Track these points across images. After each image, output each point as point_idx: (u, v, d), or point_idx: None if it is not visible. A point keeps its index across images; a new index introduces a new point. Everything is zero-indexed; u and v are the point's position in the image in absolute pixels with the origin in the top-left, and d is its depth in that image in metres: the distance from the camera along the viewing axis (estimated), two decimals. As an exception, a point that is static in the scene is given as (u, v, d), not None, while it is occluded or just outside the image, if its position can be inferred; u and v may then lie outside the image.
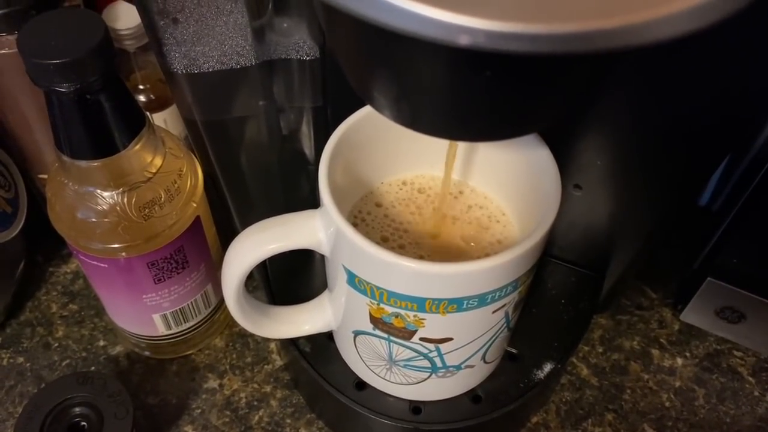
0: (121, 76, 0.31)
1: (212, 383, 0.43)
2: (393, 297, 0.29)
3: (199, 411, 0.41)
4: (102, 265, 0.35)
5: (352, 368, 0.38)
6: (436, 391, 0.36)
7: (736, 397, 0.42)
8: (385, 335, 0.32)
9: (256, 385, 0.42)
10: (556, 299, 0.41)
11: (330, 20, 0.23)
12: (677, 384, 0.43)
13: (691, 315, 0.44)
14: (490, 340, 0.33)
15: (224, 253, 0.33)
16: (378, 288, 0.29)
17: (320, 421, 0.41)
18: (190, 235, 0.36)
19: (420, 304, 0.29)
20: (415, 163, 0.36)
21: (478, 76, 0.20)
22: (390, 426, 0.36)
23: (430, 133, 0.24)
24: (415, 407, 0.37)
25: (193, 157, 0.37)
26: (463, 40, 0.16)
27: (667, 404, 0.42)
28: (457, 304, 0.29)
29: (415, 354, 0.32)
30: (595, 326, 0.45)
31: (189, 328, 0.41)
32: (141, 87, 0.44)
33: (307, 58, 0.31)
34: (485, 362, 0.35)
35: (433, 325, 0.30)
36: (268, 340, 0.44)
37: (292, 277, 0.41)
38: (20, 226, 0.43)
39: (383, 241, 0.34)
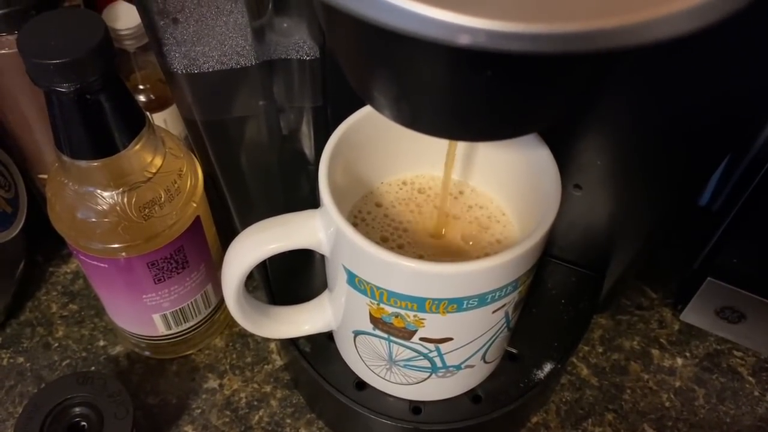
0: (121, 76, 0.31)
1: (212, 383, 0.43)
2: (393, 297, 0.29)
3: (199, 411, 0.41)
4: (102, 265, 0.35)
5: (352, 368, 0.38)
6: (436, 391, 0.36)
7: (736, 397, 0.43)
8: (385, 335, 0.32)
9: (256, 385, 0.42)
10: (556, 299, 0.41)
11: (330, 20, 0.23)
12: (677, 384, 0.43)
13: (691, 315, 0.44)
14: (490, 340, 0.33)
15: (224, 253, 0.33)
16: (378, 288, 0.29)
17: (320, 421, 0.41)
18: (190, 235, 0.36)
19: (420, 304, 0.29)
20: (415, 163, 0.36)
21: (479, 76, 0.20)
22: (390, 426, 0.36)
23: (430, 133, 0.24)
24: (415, 407, 0.37)
25: (193, 157, 0.37)
26: (464, 40, 0.16)
27: (667, 404, 0.42)
28: (457, 304, 0.29)
29: (415, 354, 0.32)
30: (595, 326, 0.45)
31: (189, 328, 0.41)
32: (141, 87, 0.44)
33: (307, 58, 0.31)
34: (485, 362, 0.35)
35: (433, 325, 0.30)
36: (268, 340, 0.44)
37: (292, 277, 0.41)
38: (20, 226, 0.43)
39: (383, 241, 0.34)
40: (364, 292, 0.30)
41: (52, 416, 0.36)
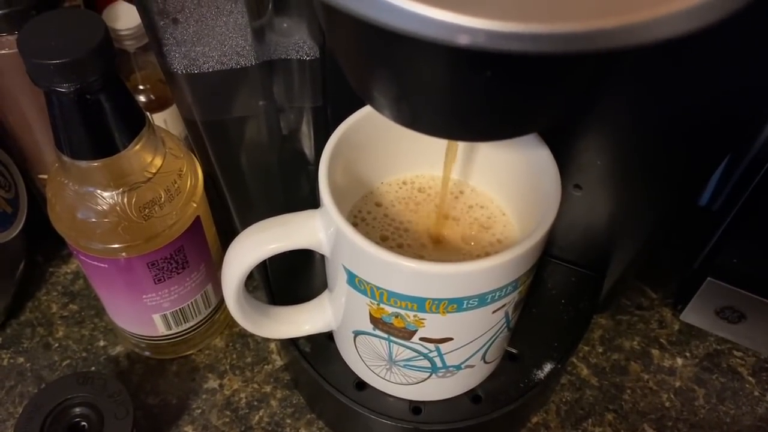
0: (121, 76, 0.31)
1: (212, 383, 0.43)
2: (393, 297, 0.29)
3: (199, 411, 0.41)
4: (102, 265, 0.35)
5: (352, 368, 0.38)
6: (436, 391, 0.36)
7: (736, 397, 0.43)
8: (385, 335, 0.32)
9: (256, 386, 0.42)
10: (556, 299, 0.41)
11: (330, 20, 0.23)
12: (677, 384, 0.43)
13: (691, 315, 0.44)
14: (490, 340, 0.33)
15: (224, 253, 0.33)
16: (378, 288, 0.29)
17: (320, 421, 0.41)
18: (190, 235, 0.36)
19: (420, 304, 0.29)
20: (415, 163, 0.36)
21: (478, 76, 0.20)
22: (390, 426, 0.36)
23: (430, 133, 0.24)
24: (415, 407, 0.37)
25: (193, 157, 0.37)
26: (463, 40, 0.16)
27: (667, 404, 0.42)
28: (457, 304, 0.29)
29: (415, 354, 0.32)
30: (595, 326, 0.45)
31: (189, 328, 0.41)
32: (141, 87, 0.44)
33: (307, 58, 0.31)
34: (485, 362, 0.35)
35: (433, 325, 0.30)
36: (268, 340, 0.44)
37: (292, 277, 0.41)
38: (20, 227, 0.43)
39: (383, 241, 0.34)
40: (364, 292, 0.30)
41: (52, 416, 0.36)
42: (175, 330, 0.41)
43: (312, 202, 0.32)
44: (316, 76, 0.32)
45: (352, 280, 0.30)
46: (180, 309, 0.40)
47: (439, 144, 0.32)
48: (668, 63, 0.28)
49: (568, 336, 0.39)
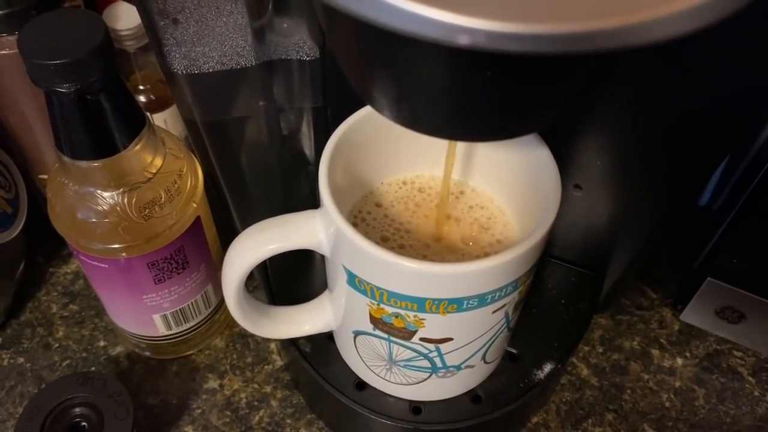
0: (122, 76, 0.31)
1: (212, 383, 0.43)
2: (393, 297, 0.29)
3: (199, 411, 0.41)
4: (102, 265, 0.35)
5: (352, 368, 0.38)
6: (437, 391, 0.36)
7: (736, 397, 0.43)
8: (386, 335, 0.32)
9: (256, 386, 0.42)
10: (556, 299, 0.41)
11: (330, 21, 0.23)
12: (677, 384, 0.43)
13: (691, 315, 0.44)
14: (490, 340, 0.33)
15: (224, 254, 0.33)
16: (378, 288, 0.29)
17: (320, 421, 0.41)
18: (190, 236, 0.36)
19: (420, 304, 0.29)
20: (415, 163, 0.36)
21: (478, 77, 0.20)
22: (390, 426, 0.36)
23: (430, 134, 0.24)
24: (416, 407, 0.37)
25: (194, 157, 0.37)
26: (464, 41, 0.16)
27: (667, 404, 0.42)
28: (457, 304, 0.29)
29: (415, 354, 0.32)
30: (595, 326, 0.45)
31: (189, 328, 0.42)
32: (141, 87, 0.44)
33: (307, 59, 0.31)
34: (485, 362, 0.35)
35: (433, 325, 0.30)
36: (268, 340, 0.44)
37: (293, 278, 0.41)
38: (20, 227, 0.43)
39: (383, 241, 0.34)
40: (364, 293, 0.30)
41: (52, 416, 0.36)
42: (175, 330, 0.41)
43: (312, 202, 0.32)
44: (316, 77, 0.32)
45: (352, 280, 0.30)
46: (180, 309, 0.40)
47: (439, 144, 0.32)
48: (668, 63, 0.28)
49: (568, 336, 0.39)
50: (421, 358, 0.33)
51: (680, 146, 0.32)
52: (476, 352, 0.33)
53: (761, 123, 0.37)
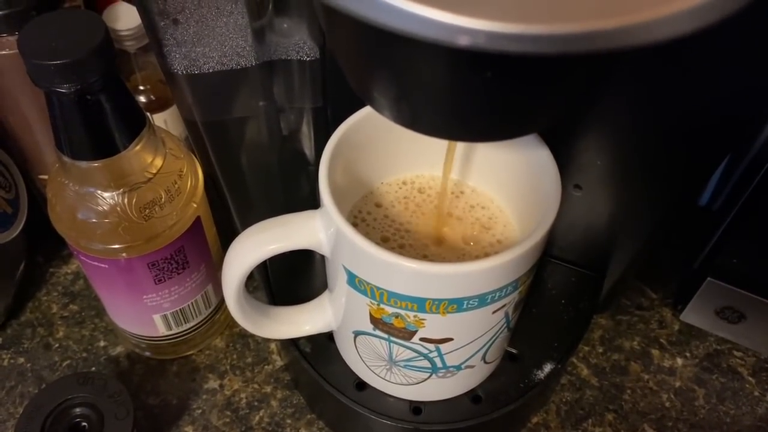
0: (122, 76, 0.31)
1: (213, 384, 0.43)
2: (393, 297, 0.29)
3: (199, 411, 0.41)
4: (102, 265, 0.35)
5: (352, 368, 0.38)
6: (437, 391, 0.36)
7: (736, 397, 0.43)
8: (386, 336, 0.32)
9: (256, 386, 0.42)
10: (556, 299, 0.41)
11: (330, 21, 0.23)
12: (677, 384, 0.43)
13: (691, 315, 0.44)
14: (490, 340, 0.33)
15: (224, 254, 0.33)
16: (378, 288, 0.29)
17: (320, 421, 0.41)
18: (190, 236, 0.36)
19: (420, 304, 0.29)
20: (415, 163, 0.36)
21: (478, 77, 0.20)
22: (390, 426, 0.36)
23: (429, 134, 0.24)
24: (416, 407, 0.37)
25: (194, 157, 0.37)
26: (463, 41, 0.16)
27: (667, 404, 0.42)
28: (457, 305, 0.29)
29: (416, 354, 0.32)
30: (595, 326, 0.45)
31: (189, 328, 0.42)
32: (141, 88, 0.45)
33: (308, 59, 0.31)
34: (485, 362, 0.35)
35: (433, 325, 0.30)
36: (268, 340, 0.44)
37: (293, 278, 0.41)
38: (21, 227, 0.43)
39: (383, 242, 0.34)
40: (364, 293, 0.30)
41: (52, 417, 0.36)
42: (175, 330, 0.41)
43: (312, 202, 0.32)
44: (316, 77, 0.32)
45: (352, 280, 0.30)
46: (180, 309, 0.40)
47: (439, 144, 0.32)
48: (668, 63, 0.28)
49: (568, 336, 0.39)
50: (421, 358, 0.33)
51: (680, 146, 0.32)
52: (476, 353, 0.33)
53: (761, 123, 0.37)
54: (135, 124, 0.32)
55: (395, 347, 0.32)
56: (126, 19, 0.41)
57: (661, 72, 0.29)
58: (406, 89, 0.22)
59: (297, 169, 0.38)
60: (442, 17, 0.16)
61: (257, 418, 0.41)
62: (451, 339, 0.31)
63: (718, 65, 0.27)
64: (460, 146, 0.34)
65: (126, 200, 0.33)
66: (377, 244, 0.28)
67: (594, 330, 0.45)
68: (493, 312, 0.30)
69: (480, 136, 0.27)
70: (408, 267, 0.27)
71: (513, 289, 0.30)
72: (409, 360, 0.33)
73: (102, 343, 0.44)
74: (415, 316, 0.29)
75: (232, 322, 0.45)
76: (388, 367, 0.34)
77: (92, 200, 0.33)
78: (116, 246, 0.34)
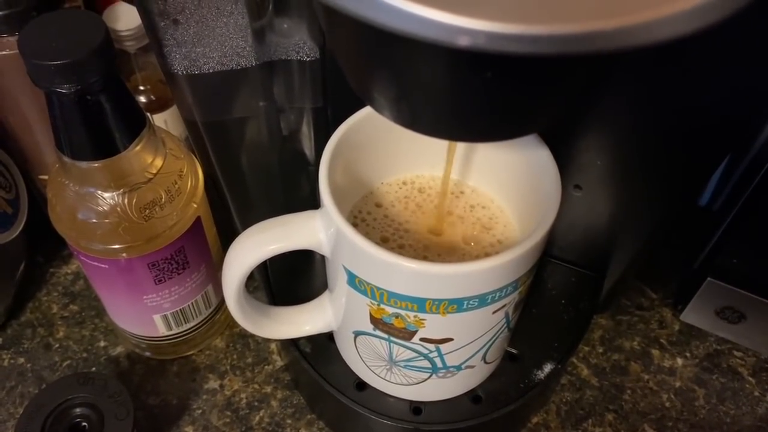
0: (122, 77, 0.31)
1: (213, 384, 0.43)
2: (393, 297, 0.29)
3: (199, 411, 0.41)
4: (102, 265, 0.35)
5: (352, 369, 0.38)
6: (437, 391, 0.36)
7: (736, 397, 0.43)
8: (386, 336, 0.32)
9: (256, 386, 0.42)
10: (556, 299, 0.41)
11: (330, 21, 0.23)
12: (677, 384, 0.43)
13: (691, 315, 0.44)
14: (490, 340, 0.33)
15: (225, 254, 0.33)
16: (378, 288, 0.29)
17: (321, 421, 0.41)
18: (190, 236, 0.36)
19: (420, 304, 0.29)
20: (415, 164, 0.36)
21: (478, 77, 0.20)
22: (390, 426, 0.36)
23: (429, 134, 0.24)
24: (416, 407, 0.37)
25: (194, 157, 0.37)
26: (463, 42, 0.16)
27: (667, 404, 0.42)
28: (457, 305, 0.29)
29: (416, 354, 0.32)
30: (596, 326, 0.45)
31: (190, 328, 0.42)
32: (141, 88, 0.45)
33: (308, 59, 0.31)
34: (485, 362, 0.35)
35: (433, 325, 0.30)
36: (268, 340, 0.44)
37: (293, 278, 0.41)
38: (21, 227, 0.43)
39: (383, 242, 0.34)
40: (364, 293, 0.30)
41: (53, 417, 0.36)
42: (175, 330, 0.41)
43: (312, 202, 0.32)
44: (316, 77, 0.32)
45: (353, 280, 0.30)
46: (180, 309, 0.40)
47: (439, 144, 0.32)
48: (668, 63, 0.28)
49: (568, 336, 0.39)
50: (422, 358, 0.33)
51: (680, 146, 0.32)
52: (476, 353, 0.33)
53: (761, 123, 0.37)
54: (135, 125, 0.32)
55: (395, 347, 0.32)
56: (126, 19, 0.41)
57: (661, 72, 0.29)
58: (406, 89, 0.22)
59: (297, 170, 0.38)
60: (442, 18, 0.16)
61: (257, 418, 0.41)
62: (452, 339, 0.31)
63: (718, 65, 0.27)
64: (461, 146, 0.34)
65: (126, 200, 0.33)
66: (377, 244, 0.28)
67: (594, 330, 0.45)
68: (494, 312, 0.30)
69: (480, 137, 0.27)
70: (408, 267, 0.27)
71: (513, 290, 0.30)
72: (409, 360, 0.33)
73: (102, 344, 0.44)
74: (415, 317, 0.29)
75: (232, 322, 0.45)
76: (388, 367, 0.34)
77: (92, 200, 0.33)
78: (116, 246, 0.34)
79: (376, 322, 0.31)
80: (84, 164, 0.31)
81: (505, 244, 0.34)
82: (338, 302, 0.34)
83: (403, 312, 0.29)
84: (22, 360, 0.44)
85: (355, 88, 0.25)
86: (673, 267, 0.47)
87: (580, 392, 0.42)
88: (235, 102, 0.33)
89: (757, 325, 0.42)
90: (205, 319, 0.42)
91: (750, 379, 0.43)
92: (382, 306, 0.30)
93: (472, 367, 0.34)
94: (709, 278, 0.40)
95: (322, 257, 0.32)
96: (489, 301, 0.29)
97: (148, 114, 0.43)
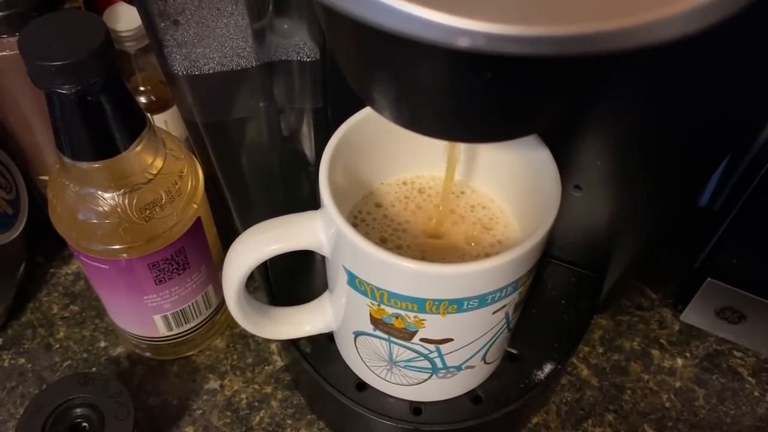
0: (122, 77, 0.31)
1: (213, 384, 0.43)
2: (393, 298, 0.29)
3: (200, 412, 0.41)
4: (103, 266, 0.35)
5: (352, 369, 0.38)
6: (437, 391, 0.36)
7: (736, 397, 0.43)
8: (386, 336, 0.32)
9: (256, 386, 0.42)
10: (557, 300, 0.41)
11: (330, 22, 0.23)
12: (677, 384, 0.43)
13: (691, 315, 0.44)
14: (490, 340, 0.33)
15: (225, 255, 0.33)
16: (378, 289, 0.29)
17: (321, 421, 0.41)
18: (190, 236, 0.36)
19: (420, 304, 0.29)
20: (415, 164, 0.36)
21: (478, 78, 0.20)
22: (391, 427, 0.36)
23: (429, 135, 0.24)
24: (416, 408, 0.37)
25: (194, 158, 0.37)
26: (463, 43, 0.16)
27: (667, 405, 0.42)
28: (457, 305, 0.29)
29: (416, 355, 0.32)
30: (596, 327, 0.45)
31: (190, 329, 0.42)
32: (142, 88, 0.45)
33: (308, 60, 0.31)
34: (486, 363, 0.35)
35: (433, 325, 0.30)
36: (268, 341, 0.44)
37: (293, 278, 0.41)
38: (21, 228, 0.43)
39: (383, 242, 0.34)
40: (364, 293, 0.30)
41: (53, 417, 0.36)
42: (176, 331, 0.41)
43: (312, 203, 0.32)
44: (316, 78, 0.32)
45: (353, 280, 0.30)
46: (181, 310, 0.40)
47: (440, 145, 0.32)
48: (669, 64, 0.28)
49: (569, 336, 0.39)
50: (422, 358, 0.33)
51: (680, 146, 0.32)
52: (476, 353, 0.33)
53: (761, 123, 0.37)
54: (135, 125, 0.32)
55: (395, 348, 0.32)
56: (126, 20, 0.41)
57: (661, 72, 0.29)
58: (406, 90, 0.22)
59: (297, 170, 0.38)
60: (442, 19, 0.16)
61: (257, 418, 0.41)
62: (452, 339, 0.31)
63: (718, 65, 0.27)
64: (461, 147, 0.34)
65: (126, 201, 0.33)
66: (377, 244, 0.28)
67: (594, 330, 0.45)
68: (494, 312, 0.30)
69: (480, 137, 0.27)
70: (408, 267, 0.27)
71: (513, 290, 0.30)
72: (409, 360, 0.33)
73: (102, 344, 0.44)
74: (415, 317, 0.29)
75: (232, 323, 0.45)
76: (388, 367, 0.34)
77: (93, 201, 0.33)
78: (117, 247, 0.34)
79: (376, 322, 0.31)
80: (84, 165, 0.31)
81: (505, 245, 0.34)
82: (338, 303, 0.34)
83: (403, 312, 0.29)
84: (22, 360, 0.44)
85: (355, 88, 0.25)
86: (673, 267, 0.47)
87: (580, 392, 0.42)
88: (235, 102, 0.33)
89: (757, 325, 0.42)
90: (205, 319, 0.42)
91: (750, 379, 0.43)
92: (382, 306, 0.30)
93: (472, 367, 0.34)
94: (709, 278, 0.40)
95: (323, 257, 0.32)
96: (489, 301, 0.29)
97: (149, 114, 0.43)
